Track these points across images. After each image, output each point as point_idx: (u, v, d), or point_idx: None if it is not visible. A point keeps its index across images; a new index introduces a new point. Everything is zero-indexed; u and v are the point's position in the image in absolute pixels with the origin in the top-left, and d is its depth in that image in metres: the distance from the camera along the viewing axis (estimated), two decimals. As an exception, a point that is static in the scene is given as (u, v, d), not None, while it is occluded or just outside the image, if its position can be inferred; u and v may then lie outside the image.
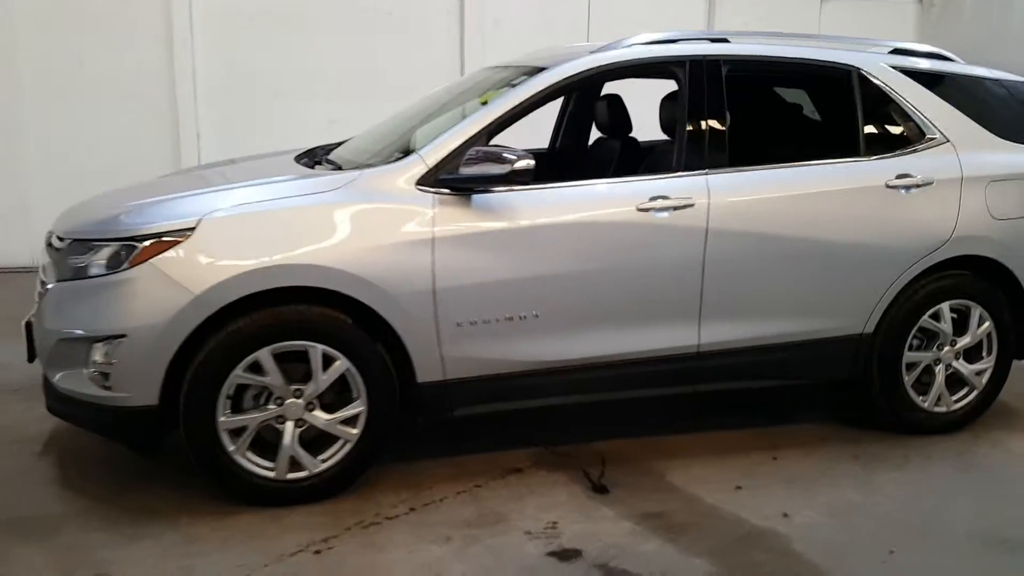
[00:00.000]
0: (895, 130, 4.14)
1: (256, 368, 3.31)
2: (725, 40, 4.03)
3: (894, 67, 4.15)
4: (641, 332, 3.73)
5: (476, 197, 3.48)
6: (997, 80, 4.36)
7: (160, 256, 3.22)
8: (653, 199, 3.66)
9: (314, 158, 4.09)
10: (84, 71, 7.78)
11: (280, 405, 3.36)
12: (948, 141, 4.12)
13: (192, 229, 3.24)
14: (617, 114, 4.60)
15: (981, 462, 3.97)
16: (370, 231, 3.37)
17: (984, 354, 4.24)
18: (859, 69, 4.09)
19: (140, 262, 3.23)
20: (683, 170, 3.78)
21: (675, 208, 3.68)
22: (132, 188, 4.08)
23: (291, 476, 3.42)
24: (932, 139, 4.12)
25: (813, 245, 3.86)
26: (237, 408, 3.35)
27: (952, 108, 4.18)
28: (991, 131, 4.23)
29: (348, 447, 3.46)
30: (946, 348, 4.16)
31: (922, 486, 3.73)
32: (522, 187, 3.54)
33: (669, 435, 4.17)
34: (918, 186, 4.00)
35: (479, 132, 3.55)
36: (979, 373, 4.24)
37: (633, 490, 3.62)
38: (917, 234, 3.99)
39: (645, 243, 3.66)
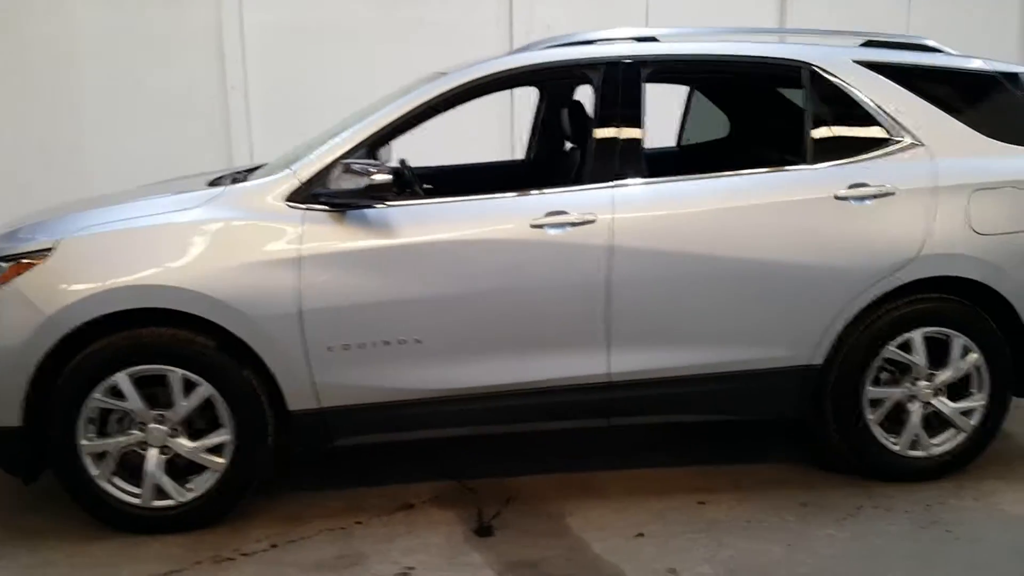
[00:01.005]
0: (854, 133, 3.61)
1: (117, 392, 3.22)
2: (653, 39, 3.65)
3: (860, 62, 3.63)
4: (541, 359, 3.40)
5: (352, 213, 3.27)
6: (995, 73, 3.75)
7: (20, 276, 3.19)
8: (549, 214, 3.33)
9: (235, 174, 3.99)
10: (143, 89, 8.07)
11: (142, 431, 3.26)
12: (922, 144, 3.57)
13: (50, 250, 3.19)
14: (579, 122, 4.26)
15: (950, 518, 3.39)
16: (230, 250, 3.22)
17: (973, 390, 3.64)
18: (811, 65, 3.59)
19: (4, 282, 3.21)
20: (591, 182, 3.43)
21: (573, 224, 3.33)
22: (68, 204, 4.10)
23: (157, 504, 3.31)
24: (901, 142, 3.57)
25: (742, 265, 3.41)
26: (103, 432, 3.27)
27: (931, 106, 3.61)
28: (983, 131, 3.63)
29: (216, 476, 3.32)
30: (921, 383, 3.60)
31: (861, 544, 3.21)
32: (404, 203, 3.33)
33: (604, 470, 3.82)
34: (876, 196, 3.48)
35: (357, 145, 3.33)
36: (966, 412, 3.64)
37: (520, 533, 3.30)
38: (873, 252, 3.46)
39: (539, 263, 3.34)
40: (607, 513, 3.44)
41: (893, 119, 3.57)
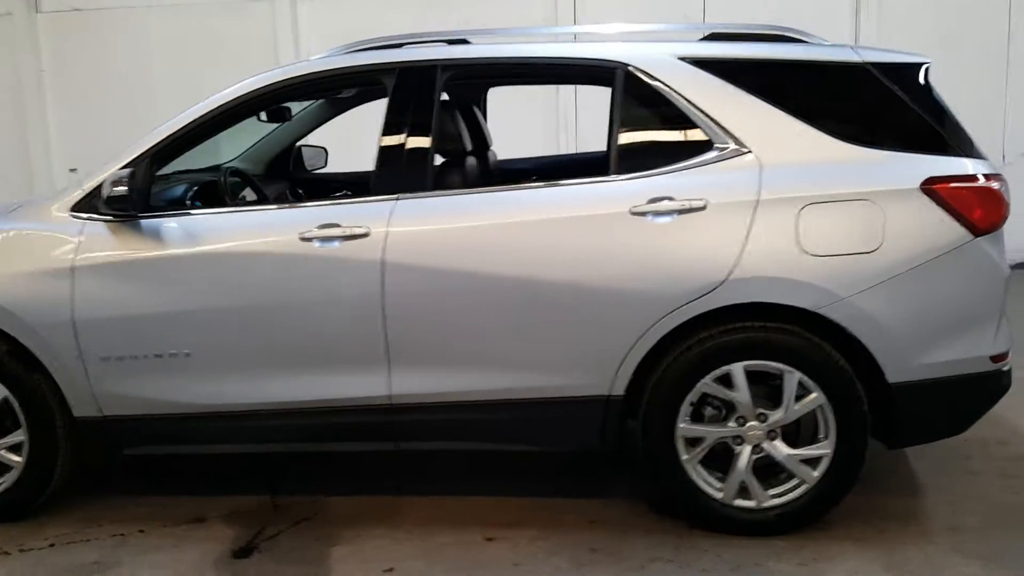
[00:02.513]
0: (668, 140, 3.21)
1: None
2: (464, 42, 3.40)
3: (687, 59, 3.21)
4: (318, 378, 3.27)
5: (130, 224, 3.29)
6: (866, 64, 3.18)
7: None
8: (321, 227, 3.20)
9: None
10: (207, 92, 8.50)
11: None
12: (748, 151, 3.12)
13: None
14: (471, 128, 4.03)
15: (753, 584, 2.96)
16: (16, 258, 3.34)
17: (821, 436, 3.15)
18: (627, 66, 3.21)
19: None
20: (375, 193, 3.26)
21: (345, 238, 3.18)
22: None
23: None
24: (723, 149, 3.13)
25: (527, 285, 3.11)
26: None
27: (768, 107, 3.14)
28: (840, 134, 3.12)
29: (16, 474, 3.43)
30: (751, 423, 3.15)
31: (619, 603, 2.86)
32: (177, 214, 3.33)
33: (424, 495, 3.63)
34: (680, 212, 3.07)
35: (139, 156, 3.33)
36: (809, 461, 3.15)
37: (277, 558, 3.19)
38: (673, 275, 3.05)
39: (308, 277, 3.20)
40: (384, 543, 3.26)
41: (716, 123, 3.13)
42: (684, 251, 3.05)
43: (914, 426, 3.17)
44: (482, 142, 4.14)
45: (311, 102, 4.28)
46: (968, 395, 3.13)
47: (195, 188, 3.66)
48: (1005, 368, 3.15)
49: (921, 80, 3.18)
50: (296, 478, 3.83)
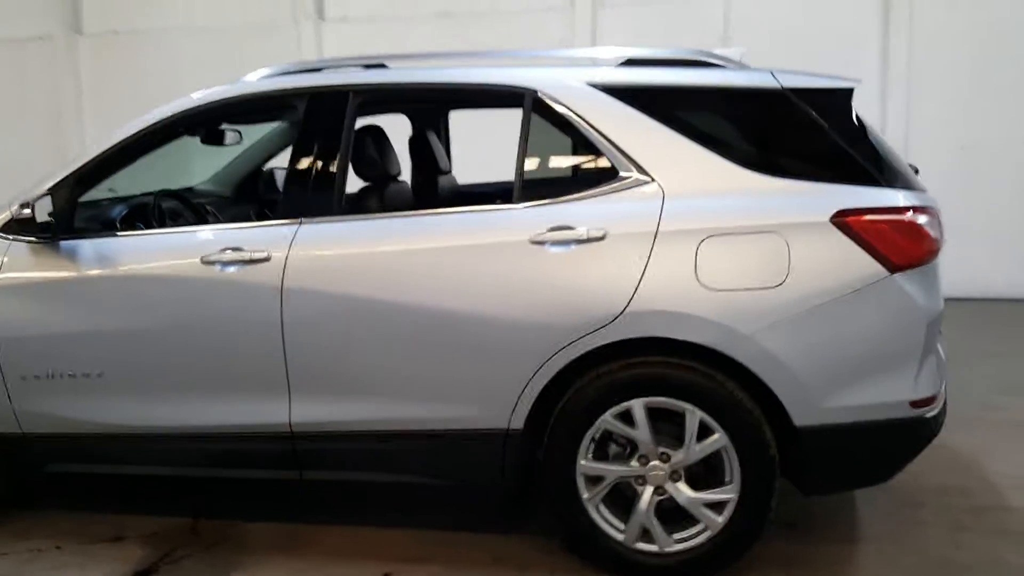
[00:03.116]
0: (573, 168, 3.13)
1: None
2: (382, 66, 3.38)
3: (597, 85, 3.12)
4: (222, 404, 3.26)
5: (50, 246, 3.35)
6: (784, 90, 3.03)
7: None
8: (224, 250, 3.20)
9: None
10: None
11: None
12: (652, 181, 3.00)
13: None
14: (382, 151, 3.85)
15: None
16: (-55, 277, 3.43)
17: (727, 479, 3.00)
18: (536, 92, 3.13)
19: None
20: (281, 217, 3.25)
21: (246, 262, 3.17)
22: None
23: None
24: (626, 178, 3.02)
25: (423, 314, 3.05)
26: None
27: (675, 135, 3.01)
28: (746, 163, 2.97)
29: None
30: (653, 463, 3.02)
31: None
32: (96, 236, 3.38)
33: (349, 524, 3.57)
34: (579, 242, 2.97)
35: (61, 180, 3.38)
36: (715, 506, 3.00)
37: (173, 580, 3.20)
38: (570, 306, 2.95)
39: (211, 301, 3.21)
40: (280, 573, 3.22)
41: (621, 151, 3.02)
42: (582, 282, 2.95)
43: (825, 473, 2.99)
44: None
45: (279, 123, 4.33)
46: (885, 442, 2.93)
47: (128, 211, 3.71)
48: (929, 414, 2.94)
49: (844, 106, 3.00)
50: (230, 500, 3.82)
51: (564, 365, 2.97)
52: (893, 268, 2.83)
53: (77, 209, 3.48)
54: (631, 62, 3.21)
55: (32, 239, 3.36)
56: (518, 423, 3.05)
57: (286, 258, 3.14)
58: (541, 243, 2.98)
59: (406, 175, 4.12)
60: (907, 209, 2.87)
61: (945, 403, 3.12)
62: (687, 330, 2.89)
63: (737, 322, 2.85)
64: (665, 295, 2.89)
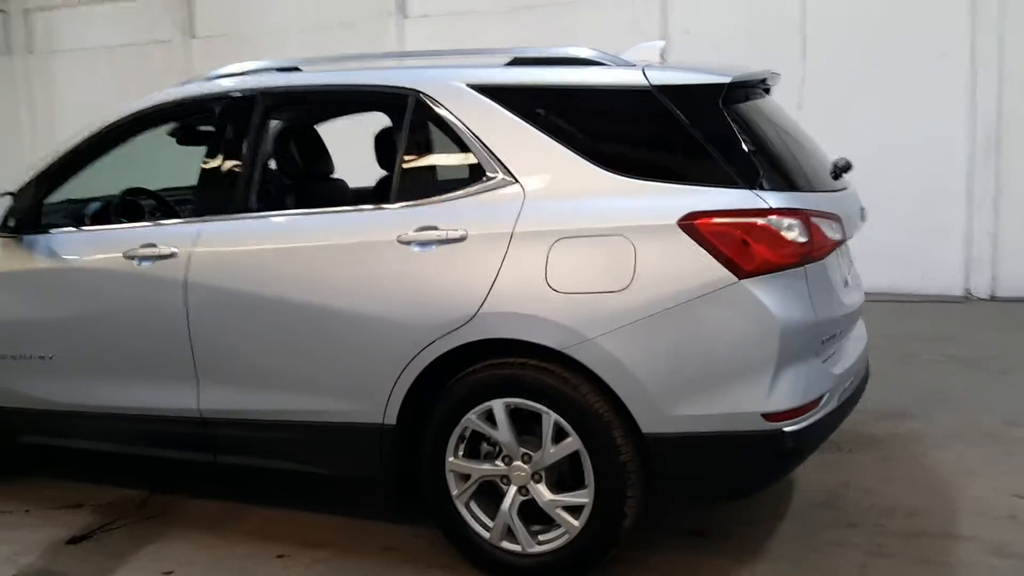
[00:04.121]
0: (446, 169, 3.15)
1: None
2: (296, 69, 3.52)
3: (475, 86, 3.13)
4: (148, 388, 3.53)
5: (16, 240, 3.73)
6: (650, 88, 2.93)
7: None
8: (142, 247, 3.46)
9: None
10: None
11: None
12: (516, 182, 2.99)
13: None
14: (305, 152, 4.00)
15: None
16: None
17: (586, 483, 2.96)
18: (419, 93, 3.18)
19: None
20: (191, 215, 3.48)
21: (157, 257, 3.42)
22: None
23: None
24: (492, 179, 3.02)
25: (303, 309, 3.18)
26: None
27: (542, 136, 2.98)
28: (606, 163, 2.91)
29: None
30: (516, 463, 3.03)
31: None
32: (53, 233, 3.72)
33: (280, 508, 3.76)
34: (441, 242, 3.00)
35: (28, 181, 3.76)
36: (573, 509, 2.97)
37: (97, 547, 3.49)
38: (431, 306, 2.99)
39: (130, 293, 3.48)
40: (190, 548, 3.44)
41: (490, 152, 3.03)
42: (443, 282, 2.99)
43: (676, 482, 2.89)
44: (325, 167, 4.13)
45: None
46: (738, 455, 2.80)
47: (99, 208, 4.04)
48: (788, 428, 2.77)
49: (713, 103, 2.87)
50: (188, 478, 4.05)
51: (428, 364, 3.02)
52: (742, 274, 2.70)
53: (73, 205, 3.87)
54: (516, 61, 3.20)
55: (6, 235, 3.75)
56: (391, 419, 3.13)
57: (190, 254, 3.36)
58: (407, 243, 3.04)
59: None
60: (761, 212, 2.72)
61: (830, 416, 2.94)
62: (536, 332, 2.87)
63: (582, 325, 2.81)
64: (516, 297, 2.89)
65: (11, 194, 3.67)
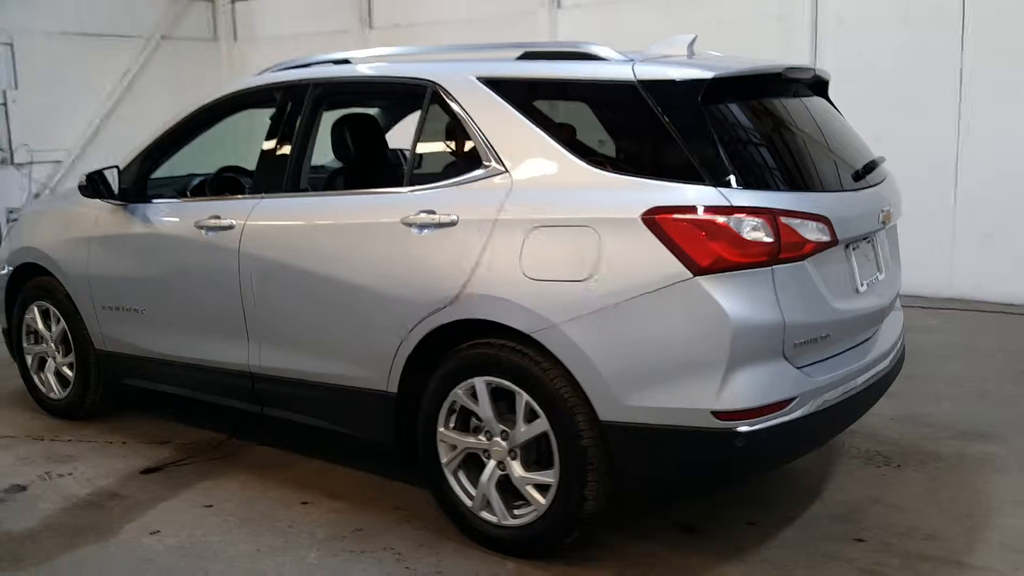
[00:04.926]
0: (452, 157, 3.35)
1: None
2: (346, 62, 3.84)
3: (483, 79, 3.29)
4: (210, 342, 3.99)
5: (124, 208, 4.32)
6: (634, 82, 2.96)
7: None
8: (209, 218, 3.91)
9: None
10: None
11: None
12: (506, 171, 3.15)
13: None
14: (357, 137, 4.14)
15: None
16: (60, 227, 4.56)
17: (553, 464, 3.08)
18: (436, 85, 3.39)
19: None
20: (252, 192, 3.89)
21: (219, 228, 3.85)
22: None
23: None
24: (487, 168, 3.19)
25: (325, 282, 3.50)
26: None
27: (533, 127, 3.12)
28: (585, 156, 3.03)
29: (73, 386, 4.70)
30: (496, 439, 3.20)
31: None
32: (151, 203, 4.25)
33: (315, 458, 4.14)
34: (436, 225, 3.21)
35: (134, 158, 4.32)
36: (541, 487, 3.11)
37: (163, 479, 3.97)
38: (424, 285, 3.21)
39: (198, 258, 3.94)
40: (234, 488, 3.85)
41: (488, 141, 3.20)
42: (435, 263, 3.20)
43: (631, 472, 2.95)
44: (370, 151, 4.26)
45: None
46: (690, 451, 2.83)
47: (200, 182, 4.57)
48: (740, 429, 2.76)
49: (691, 99, 2.89)
50: (267, 426, 4.47)
51: (422, 338, 3.25)
52: (697, 270, 2.72)
53: (180, 180, 4.43)
54: (527, 55, 3.34)
55: (116, 203, 4.33)
56: (392, 387, 3.39)
57: (243, 226, 3.76)
58: (410, 225, 3.28)
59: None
60: (722, 210, 2.73)
61: (808, 421, 2.89)
62: (507, 315, 3.03)
63: (548, 311, 2.93)
64: (493, 281, 3.05)
65: (118, 168, 4.22)
